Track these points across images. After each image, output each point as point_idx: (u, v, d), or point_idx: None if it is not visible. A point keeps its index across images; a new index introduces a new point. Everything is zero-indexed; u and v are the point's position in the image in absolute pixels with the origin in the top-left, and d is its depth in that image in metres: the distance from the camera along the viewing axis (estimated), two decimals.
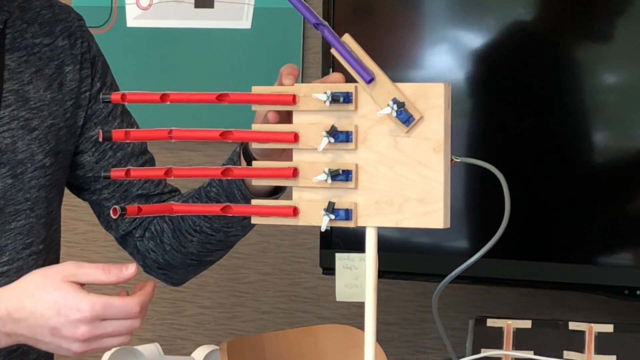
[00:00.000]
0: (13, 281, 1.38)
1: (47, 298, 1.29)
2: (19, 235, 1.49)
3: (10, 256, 1.48)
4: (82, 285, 1.29)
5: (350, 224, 1.16)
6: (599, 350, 1.86)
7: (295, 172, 1.16)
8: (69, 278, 1.29)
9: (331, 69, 2.02)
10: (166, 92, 1.16)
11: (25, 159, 1.47)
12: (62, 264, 1.33)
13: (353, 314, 2.27)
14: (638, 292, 1.95)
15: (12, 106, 1.47)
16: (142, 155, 1.60)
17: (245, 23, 2.37)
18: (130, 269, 1.29)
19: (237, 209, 1.20)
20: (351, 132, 1.15)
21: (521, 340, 1.91)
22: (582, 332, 1.89)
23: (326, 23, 1.17)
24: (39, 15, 1.54)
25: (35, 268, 1.48)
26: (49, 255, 1.54)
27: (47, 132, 1.49)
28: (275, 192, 1.42)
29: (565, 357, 1.85)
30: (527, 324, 1.94)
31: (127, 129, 1.23)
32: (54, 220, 1.55)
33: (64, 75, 1.53)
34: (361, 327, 1.25)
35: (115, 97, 1.20)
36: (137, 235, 1.59)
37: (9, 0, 1.49)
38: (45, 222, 1.52)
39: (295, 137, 1.16)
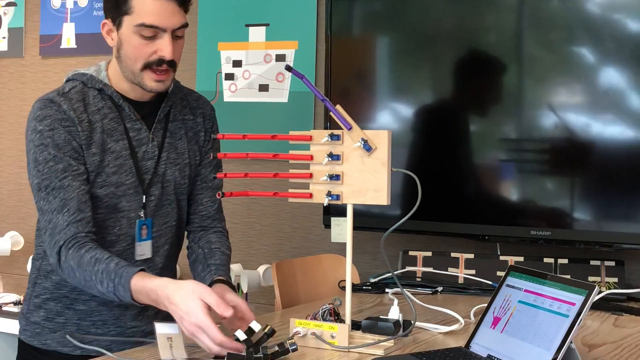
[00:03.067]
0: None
1: (188, 303, 1.52)
2: (166, 226, 1.89)
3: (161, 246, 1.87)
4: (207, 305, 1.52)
5: (339, 202, 1.59)
6: (466, 267, 2.21)
7: (311, 176, 1.61)
8: (202, 298, 1.52)
9: (329, 123, 2.52)
10: (246, 133, 1.61)
11: (170, 180, 1.86)
12: (207, 288, 1.53)
13: (340, 249, 2.58)
14: (486, 237, 2.32)
15: (168, 151, 1.85)
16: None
17: (285, 99, 3.04)
18: (227, 313, 1.47)
19: (282, 193, 1.62)
20: (339, 155, 1.58)
21: (426, 262, 2.34)
22: (458, 258, 2.27)
23: (327, 99, 1.57)
24: (189, 103, 1.93)
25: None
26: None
27: (185, 166, 1.89)
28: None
29: (448, 272, 2.22)
30: (429, 254, 2.37)
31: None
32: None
33: (198, 137, 1.93)
34: (344, 255, 1.67)
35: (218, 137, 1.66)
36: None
37: (174, 94, 1.88)
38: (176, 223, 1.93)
39: (312, 157, 1.60)
